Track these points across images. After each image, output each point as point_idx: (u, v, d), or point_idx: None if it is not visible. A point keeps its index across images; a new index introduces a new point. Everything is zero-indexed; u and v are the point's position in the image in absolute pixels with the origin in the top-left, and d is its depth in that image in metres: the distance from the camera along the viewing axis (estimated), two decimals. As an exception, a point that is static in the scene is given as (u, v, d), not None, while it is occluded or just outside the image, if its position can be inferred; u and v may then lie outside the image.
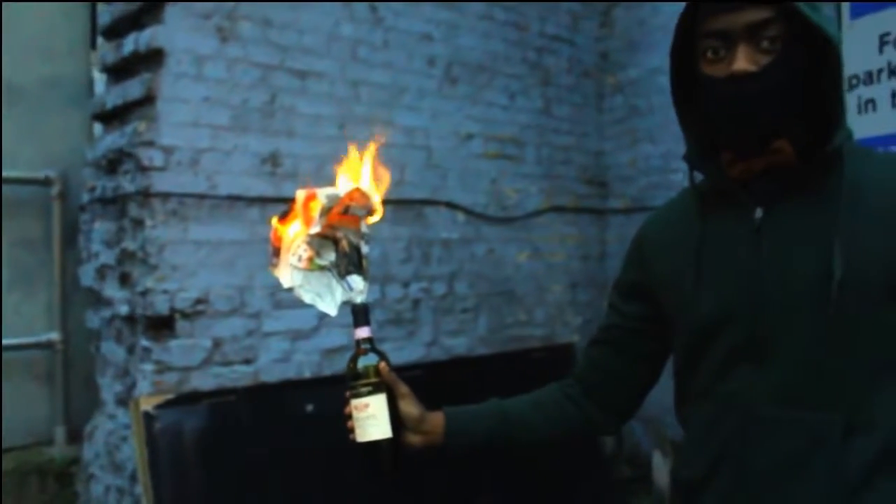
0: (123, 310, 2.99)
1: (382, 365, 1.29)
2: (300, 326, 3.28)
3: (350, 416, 1.28)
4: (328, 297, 1.33)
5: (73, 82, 3.80)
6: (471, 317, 3.95)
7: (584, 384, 1.41)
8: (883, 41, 3.45)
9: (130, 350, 3.01)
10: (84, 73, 3.84)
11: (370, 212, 1.32)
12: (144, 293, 2.88)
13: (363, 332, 1.30)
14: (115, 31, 3.20)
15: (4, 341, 3.53)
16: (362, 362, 1.29)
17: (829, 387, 1.07)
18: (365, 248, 1.31)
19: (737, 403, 1.14)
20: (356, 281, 1.32)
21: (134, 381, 2.96)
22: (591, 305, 4.50)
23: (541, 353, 4.13)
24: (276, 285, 3.30)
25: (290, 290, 1.32)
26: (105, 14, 3.26)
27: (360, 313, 1.30)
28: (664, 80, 4.36)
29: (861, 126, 3.57)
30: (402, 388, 1.31)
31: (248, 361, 3.10)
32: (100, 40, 3.57)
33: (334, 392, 3.35)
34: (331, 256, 1.32)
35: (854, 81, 3.57)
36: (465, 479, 3.32)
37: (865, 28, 3.52)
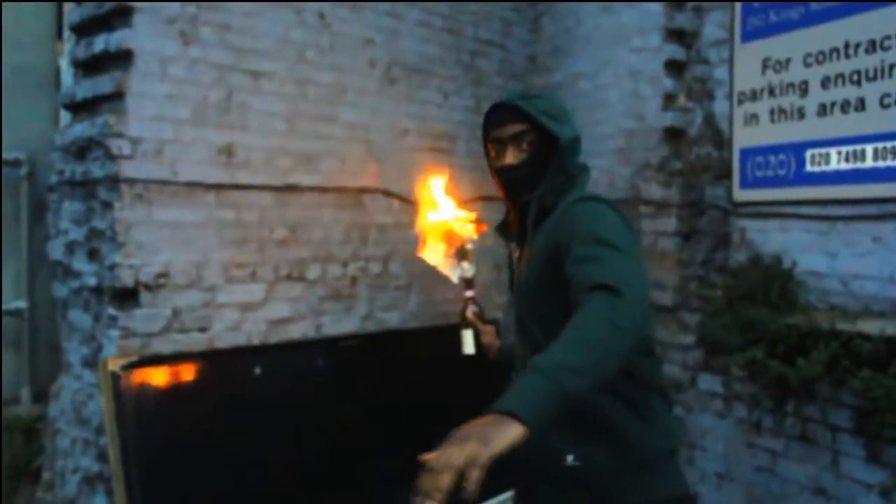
0: (92, 282, 3.32)
1: (477, 312, 2.23)
2: (249, 300, 3.63)
3: (461, 340, 2.21)
4: (451, 272, 2.32)
5: (41, 71, 4.09)
6: (403, 294, 4.34)
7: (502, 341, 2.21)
8: (765, 65, 3.87)
9: (97, 318, 3.34)
10: (50, 62, 4.12)
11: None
12: (112, 267, 3.21)
13: (469, 293, 2.26)
14: (85, 30, 3.49)
15: (-26, 308, 3.84)
16: (468, 311, 2.24)
17: (531, 333, 1.75)
18: (469, 246, 2.30)
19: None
20: (465, 264, 2.29)
21: (100, 345, 3.30)
22: (512, 286, 4.93)
23: (466, 327, 4.57)
24: (229, 262, 3.70)
25: (433, 266, 2.37)
26: (74, 13, 3.54)
27: (468, 282, 2.28)
28: (585, 85, 4.94)
29: (746, 137, 4.03)
30: (484, 327, 2.22)
31: (203, 329, 3.45)
32: (67, 34, 3.85)
33: (278, 357, 3.77)
34: (451, 251, 2.34)
35: (742, 98, 4.00)
36: (388, 432, 3.73)
37: (752, 52, 3.93)
